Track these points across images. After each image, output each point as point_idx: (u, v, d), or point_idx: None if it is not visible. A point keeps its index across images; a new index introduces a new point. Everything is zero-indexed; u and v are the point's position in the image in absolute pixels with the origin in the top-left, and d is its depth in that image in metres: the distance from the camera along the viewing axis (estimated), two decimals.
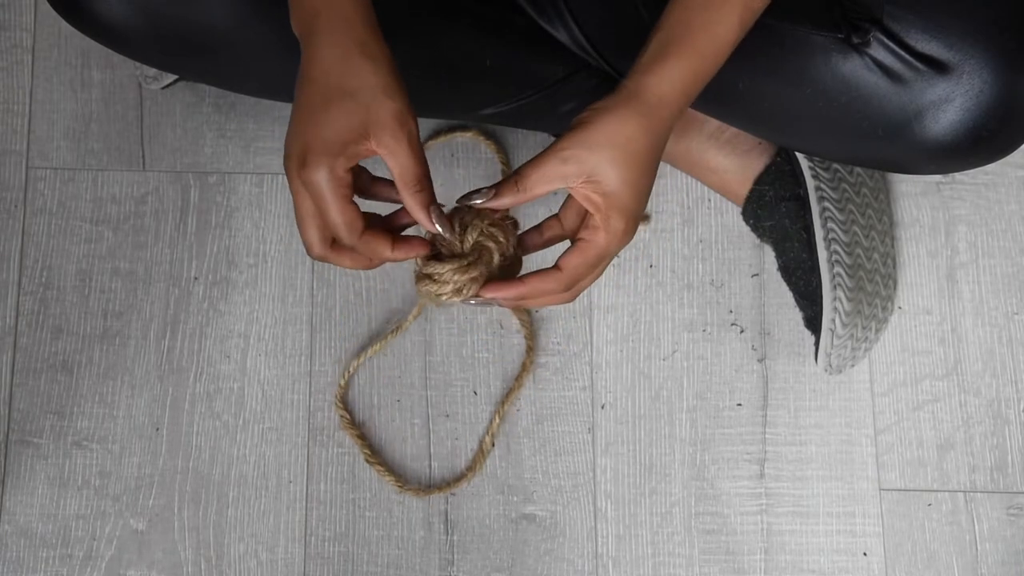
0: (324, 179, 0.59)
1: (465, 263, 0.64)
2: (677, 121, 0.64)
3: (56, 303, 0.96)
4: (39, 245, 0.97)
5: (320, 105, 0.60)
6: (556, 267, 0.64)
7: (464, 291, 0.64)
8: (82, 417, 0.95)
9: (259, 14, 0.72)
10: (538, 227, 0.68)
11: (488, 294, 0.65)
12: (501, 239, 0.66)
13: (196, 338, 0.96)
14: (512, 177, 0.63)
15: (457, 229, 0.64)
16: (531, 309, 0.96)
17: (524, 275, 0.65)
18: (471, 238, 0.65)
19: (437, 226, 0.63)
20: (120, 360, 0.96)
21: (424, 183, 0.62)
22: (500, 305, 0.66)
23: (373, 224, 0.64)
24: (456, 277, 0.64)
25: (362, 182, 0.65)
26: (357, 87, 0.60)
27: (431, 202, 0.62)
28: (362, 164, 0.63)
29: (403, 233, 0.66)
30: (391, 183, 0.64)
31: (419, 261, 0.66)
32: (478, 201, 0.64)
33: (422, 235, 0.67)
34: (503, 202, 0.63)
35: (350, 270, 0.89)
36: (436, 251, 0.66)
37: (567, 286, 0.65)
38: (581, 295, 0.96)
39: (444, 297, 0.64)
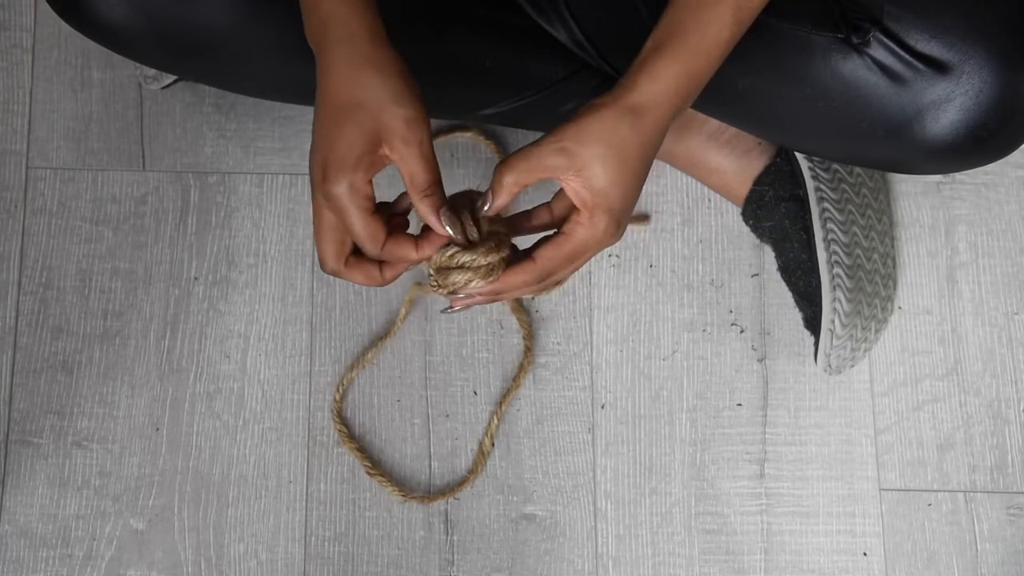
0: (345, 193, 0.61)
1: (493, 244, 0.65)
2: (673, 122, 0.64)
3: (56, 303, 0.96)
4: (39, 245, 0.97)
5: (334, 120, 0.61)
6: (530, 258, 0.65)
7: (495, 271, 0.65)
8: (82, 417, 0.95)
9: (258, 15, 0.72)
10: (527, 212, 0.68)
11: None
12: (505, 230, 0.67)
13: (196, 338, 0.96)
14: (501, 169, 0.63)
15: (469, 222, 0.65)
16: (531, 309, 0.96)
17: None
18: (485, 227, 0.66)
19: (448, 228, 0.63)
20: (120, 360, 0.96)
21: (433, 187, 0.63)
22: (477, 304, 0.67)
23: (394, 230, 0.65)
24: (489, 259, 0.64)
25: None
26: (365, 98, 0.61)
27: (441, 205, 0.63)
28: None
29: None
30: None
31: (443, 256, 0.66)
32: (485, 211, 0.64)
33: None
34: (500, 202, 0.64)
35: None
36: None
37: (540, 277, 0.65)
38: (580, 295, 0.96)
39: (474, 283, 0.65)
